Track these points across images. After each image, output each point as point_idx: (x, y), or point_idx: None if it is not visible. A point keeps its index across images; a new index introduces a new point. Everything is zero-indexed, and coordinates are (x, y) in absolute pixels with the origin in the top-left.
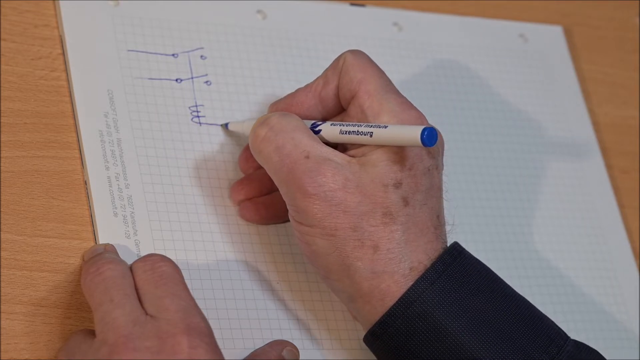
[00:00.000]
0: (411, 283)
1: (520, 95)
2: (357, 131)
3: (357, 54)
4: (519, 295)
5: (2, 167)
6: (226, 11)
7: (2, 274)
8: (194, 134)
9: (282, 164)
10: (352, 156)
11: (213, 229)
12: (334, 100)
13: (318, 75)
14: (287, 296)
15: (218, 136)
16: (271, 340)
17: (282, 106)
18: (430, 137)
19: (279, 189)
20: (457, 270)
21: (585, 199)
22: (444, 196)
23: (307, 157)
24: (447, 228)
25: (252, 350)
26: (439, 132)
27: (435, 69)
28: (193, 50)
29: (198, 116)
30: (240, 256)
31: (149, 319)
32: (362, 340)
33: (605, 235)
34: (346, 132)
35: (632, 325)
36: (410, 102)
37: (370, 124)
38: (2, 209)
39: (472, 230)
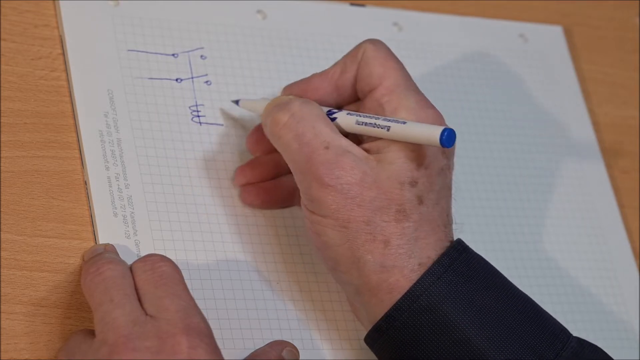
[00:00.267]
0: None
1: (520, 95)
2: (375, 124)
3: (378, 45)
4: (522, 292)
5: (2, 167)
6: (226, 11)
7: (2, 274)
8: (194, 133)
9: (301, 152)
10: (367, 149)
11: (213, 229)
12: (351, 89)
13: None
14: (287, 296)
15: (218, 136)
16: (271, 340)
17: (296, 90)
18: (450, 138)
19: (295, 177)
20: (462, 265)
21: (585, 199)
22: (453, 196)
23: (327, 147)
24: (456, 227)
25: (252, 350)
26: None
27: (435, 68)
28: (193, 50)
29: (198, 116)
30: (240, 256)
31: (149, 319)
32: (362, 341)
33: (605, 235)
34: (363, 123)
35: (632, 325)
36: (429, 101)
37: (389, 118)
38: (2, 209)
39: (472, 230)
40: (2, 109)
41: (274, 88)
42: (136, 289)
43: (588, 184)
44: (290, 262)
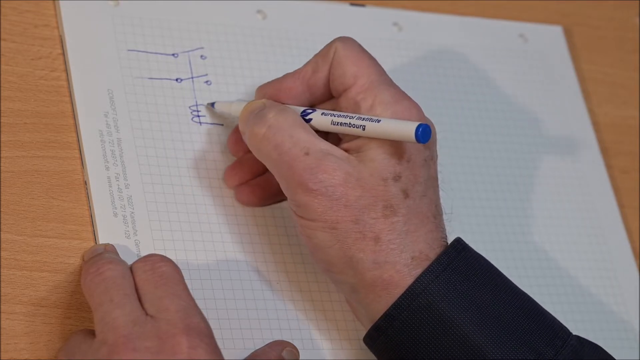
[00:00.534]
0: (414, 272)
1: (520, 95)
2: (350, 123)
3: (349, 43)
4: (522, 290)
5: (2, 167)
6: (226, 11)
7: (2, 274)
8: (194, 133)
9: (282, 162)
10: (347, 148)
11: (213, 229)
12: (323, 88)
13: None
14: (287, 296)
15: (218, 136)
16: (271, 340)
17: (270, 90)
18: (425, 133)
19: (280, 185)
20: (461, 264)
21: (585, 199)
22: (440, 186)
23: (307, 153)
24: (445, 218)
25: (252, 350)
26: (432, 122)
27: (435, 68)
28: (193, 50)
29: (198, 116)
30: (241, 256)
31: (149, 319)
32: (362, 341)
33: (605, 235)
34: (338, 123)
35: (632, 325)
36: (403, 92)
37: (363, 117)
38: (2, 209)
39: (472, 230)
40: (2, 109)
41: None
42: (136, 289)
43: (588, 184)
44: (290, 262)
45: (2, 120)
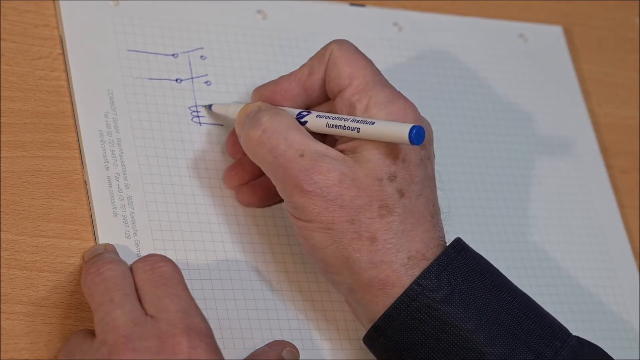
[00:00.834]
0: (411, 271)
1: (520, 95)
2: (344, 125)
3: (344, 45)
4: (521, 291)
5: (2, 167)
6: (226, 11)
7: (2, 274)
8: (194, 134)
9: (278, 164)
10: (343, 149)
11: (213, 229)
12: (319, 90)
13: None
14: (287, 296)
15: (218, 136)
16: (271, 340)
17: (266, 93)
18: (418, 135)
19: (276, 187)
20: (461, 264)
21: (585, 199)
22: (437, 185)
23: (302, 155)
24: (442, 217)
25: (252, 350)
26: (428, 122)
27: (435, 69)
28: (193, 50)
29: (198, 116)
30: (241, 256)
31: (149, 319)
32: (362, 341)
33: (605, 235)
34: (333, 125)
35: (632, 325)
36: (398, 92)
37: (358, 119)
38: (2, 209)
39: (472, 230)
40: (2, 109)
41: None
42: (136, 289)
43: (588, 184)
44: (290, 262)
45: (2, 120)
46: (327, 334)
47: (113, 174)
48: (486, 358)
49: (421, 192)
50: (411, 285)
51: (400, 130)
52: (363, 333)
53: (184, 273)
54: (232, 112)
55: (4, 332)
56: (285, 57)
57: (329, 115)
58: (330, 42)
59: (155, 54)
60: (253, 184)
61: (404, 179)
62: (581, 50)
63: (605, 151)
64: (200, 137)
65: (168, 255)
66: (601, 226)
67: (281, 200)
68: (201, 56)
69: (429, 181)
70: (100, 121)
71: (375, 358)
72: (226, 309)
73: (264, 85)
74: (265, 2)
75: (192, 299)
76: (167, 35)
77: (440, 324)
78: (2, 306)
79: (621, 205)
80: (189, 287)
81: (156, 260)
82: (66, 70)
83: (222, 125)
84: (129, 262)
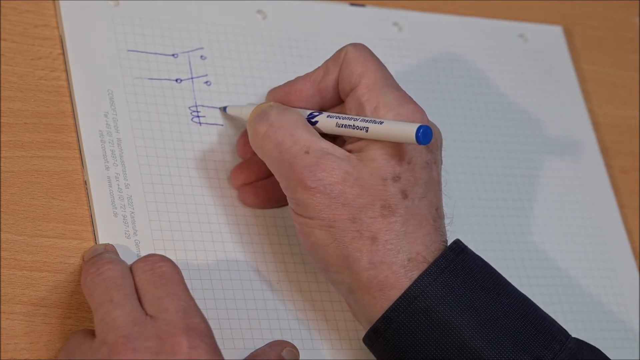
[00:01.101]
0: (410, 273)
1: (520, 95)
2: (353, 125)
3: (359, 47)
4: (521, 292)
5: (2, 167)
6: (226, 11)
7: (2, 274)
8: (194, 134)
9: (282, 160)
10: (350, 150)
11: (213, 229)
12: (333, 91)
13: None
14: (287, 296)
15: (218, 136)
16: (271, 340)
17: (280, 94)
18: (425, 135)
19: (280, 184)
20: (460, 267)
21: (585, 199)
22: (443, 191)
23: (307, 152)
24: (446, 222)
25: (252, 350)
26: (437, 127)
27: (435, 69)
28: (193, 50)
29: (198, 116)
30: (241, 256)
31: (149, 319)
32: (361, 341)
33: (605, 235)
34: (342, 125)
35: (632, 325)
36: (409, 96)
37: (367, 119)
38: (2, 209)
39: (472, 230)
40: (2, 109)
41: None
42: (136, 289)
43: (588, 184)
44: (290, 262)
45: (2, 120)
46: (327, 334)
47: (113, 174)
48: None
49: (425, 195)
50: (409, 287)
51: (407, 130)
52: (363, 333)
53: (184, 273)
54: (246, 114)
55: (4, 332)
56: (285, 57)
57: (339, 115)
58: (346, 45)
59: (155, 54)
60: (256, 185)
61: (408, 180)
62: (581, 50)
63: (605, 151)
64: (200, 137)
65: (168, 255)
66: (601, 226)
67: (282, 205)
68: (201, 56)
69: (434, 185)
70: (100, 121)
71: (375, 358)
72: (226, 309)
73: (279, 86)
74: (265, 2)
75: (192, 299)
76: (167, 35)
77: (439, 327)
78: (2, 306)
79: (621, 205)
80: (189, 287)
81: (156, 260)
82: (66, 70)
83: (222, 125)
84: (129, 262)
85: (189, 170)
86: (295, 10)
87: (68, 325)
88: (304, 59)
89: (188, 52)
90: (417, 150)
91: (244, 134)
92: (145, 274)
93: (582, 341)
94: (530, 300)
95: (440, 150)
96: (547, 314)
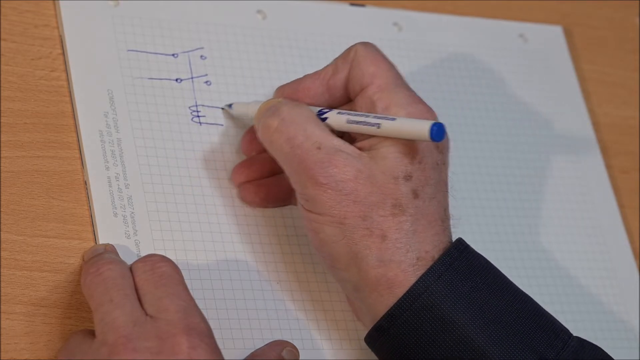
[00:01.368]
0: (419, 273)
1: (520, 95)
2: (365, 121)
3: (369, 46)
4: (522, 291)
5: (2, 167)
6: (226, 11)
7: (2, 274)
8: (194, 134)
9: (294, 155)
10: (360, 148)
11: (213, 229)
12: (342, 90)
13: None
14: (287, 296)
15: (218, 136)
16: (271, 340)
17: (288, 91)
18: (439, 132)
19: (290, 178)
20: (463, 264)
21: (585, 199)
22: (450, 192)
23: (319, 148)
24: (451, 222)
25: (252, 350)
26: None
27: (435, 69)
28: (193, 50)
29: (198, 116)
30: (241, 256)
31: (149, 319)
32: (362, 341)
33: (605, 235)
34: (353, 121)
35: (632, 325)
36: (419, 97)
37: (379, 115)
38: (2, 209)
39: (472, 230)
40: (2, 109)
41: (273, 88)
42: (136, 289)
43: (588, 184)
44: (290, 262)
45: (2, 120)
46: (327, 334)
47: (113, 174)
48: (488, 358)
49: (434, 196)
50: (414, 284)
51: (421, 126)
52: (363, 333)
53: (184, 273)
54: (253, 111)
55: (4, 332)
56: (285, 57)
57: (350, 112)
58: (356, 43)
59: (155, 53)
60: (258, 183)
61: (419, 180)
62: (581, 50)
63: (605, 151)
64: (200, 137)
65: (168, 255)
66: (601, 226)
67: (282, 205)
68: (201, 56)
69: (442, 186)
70: (100, 121)
71: (376, 358)
72: (226, 309)
73: (288, 83)
74: (265, 2)
75: (192, 299)
76: (167, 35)
77: (443, 324)
78: (2, 306)
79: (621, 205)
80: (189, 287)
81: (156, 260)
82: (66, 70)
83: (222, 125)
84: (129, 262)
85: (189, 170)
86: (295, 10)
87: (68, 325)
88: (304, 59)
89: (188, 52)
90: (428, 150)
91: (250, 131)
92: (145, 274)
93: (584, 340)
94: (532, 299)
95: (449, 152)
96: (549, 313)
